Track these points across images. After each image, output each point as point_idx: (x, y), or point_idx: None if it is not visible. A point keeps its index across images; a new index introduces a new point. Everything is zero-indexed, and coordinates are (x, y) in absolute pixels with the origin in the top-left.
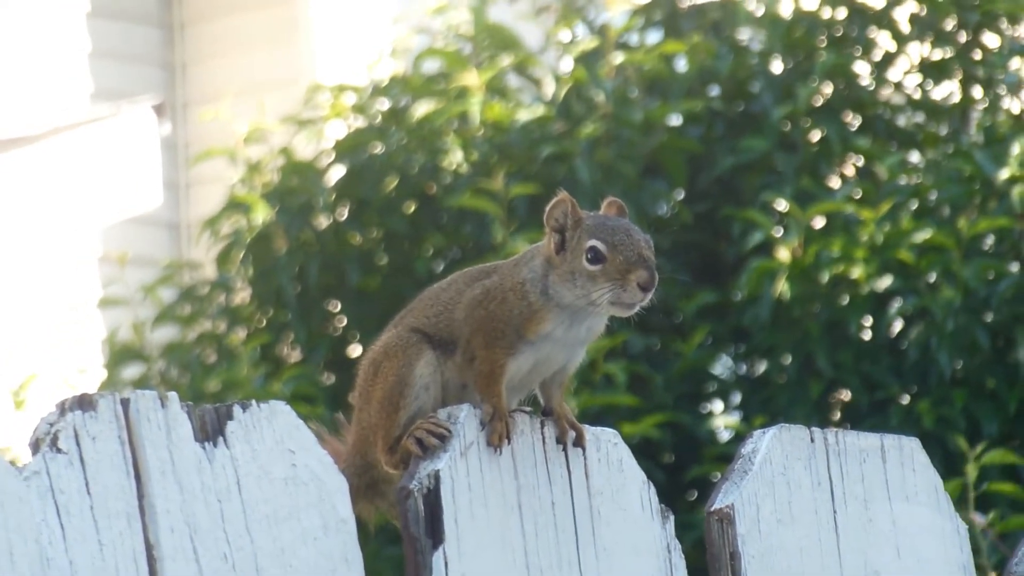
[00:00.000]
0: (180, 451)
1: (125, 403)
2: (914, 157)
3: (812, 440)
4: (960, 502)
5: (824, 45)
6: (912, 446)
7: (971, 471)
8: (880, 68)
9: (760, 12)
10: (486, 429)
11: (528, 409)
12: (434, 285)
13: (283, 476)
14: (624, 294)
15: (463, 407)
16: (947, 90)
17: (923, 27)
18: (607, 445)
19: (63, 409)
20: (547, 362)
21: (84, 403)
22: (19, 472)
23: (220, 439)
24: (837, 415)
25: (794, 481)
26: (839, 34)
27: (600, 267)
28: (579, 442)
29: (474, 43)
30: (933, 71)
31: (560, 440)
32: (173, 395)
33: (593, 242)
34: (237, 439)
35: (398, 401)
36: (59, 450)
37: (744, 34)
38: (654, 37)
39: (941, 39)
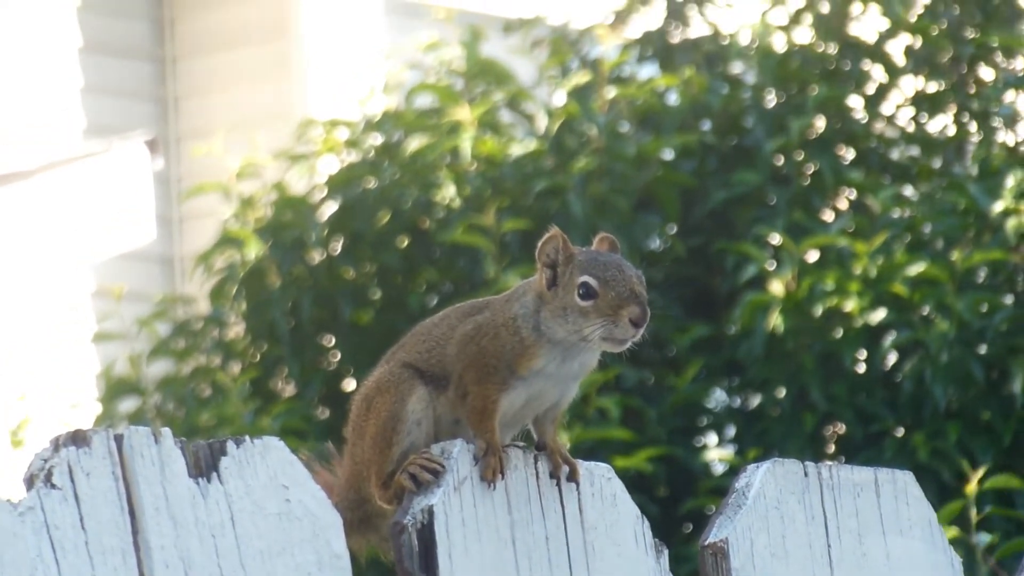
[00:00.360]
0: (174, 487)
1: (119, 439)
2: (908, 190)
3: (806, 474)
4: (957, 526)
5: (817, 79)
6: (906, 479)
7: (971, 491)
8: (873, 101)
9: (753, 46)
10: (479, 464)
11: (521, 444)
12: (426, 320)
13: (277, 511)
14: (616, 330)
15: (456, 442)
16: (941, 123)
17: (918, 60)
18: (601, 480)
19: (57, 445)
20: (540, 398)
21: (78, 439)
22: (14, 508)
23: (214, 475)
24: (832, 448)
25: (788, 515)
26: (832, 67)
27: (592, 303)
28: (573, 477)
29: (466, 78)
30: (927, 104)
31: (554, 475)
32: (167, 431)
33: (585, 278)
34: (231, 475)
35: (391, 437)
36: (53, 486)
37: (737, 68)
38: (647, 71)
39: (936, 72)
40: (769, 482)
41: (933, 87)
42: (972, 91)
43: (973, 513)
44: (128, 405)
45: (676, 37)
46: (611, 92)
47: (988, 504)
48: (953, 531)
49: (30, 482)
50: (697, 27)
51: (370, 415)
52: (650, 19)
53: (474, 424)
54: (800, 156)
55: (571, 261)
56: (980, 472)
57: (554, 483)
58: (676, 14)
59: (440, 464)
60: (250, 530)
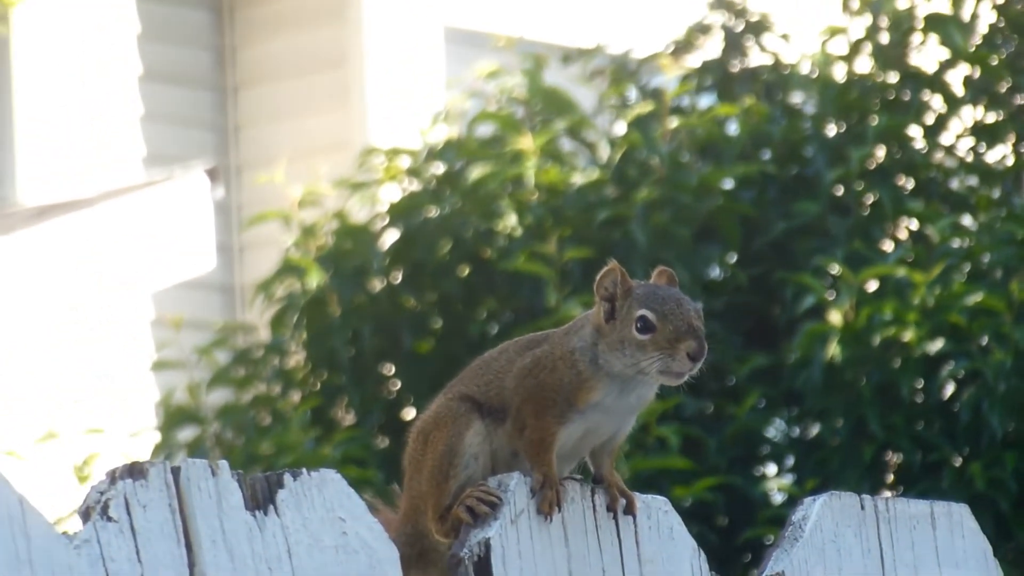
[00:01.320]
0: (231, 519)
1: (176, 471)
2: (967, 220)
3: (862, 507)
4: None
5: (877, 108)
6: (961, 512)
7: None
8: (933, 131)
9: (813, 75)
10: (536, 497)
11: (578, 477)
12: (485, 354)
13: (333, 544)
14: (673, 363)
15: (513, 475)
16: (1000, 153)
17: (976, 90)
18: (658, 513)
19: (113, 477)
20: (597, 431)
21: (135, 471)
22: (69, 541)
23: (271, 507)
24: (890, 477)
25: (844, 548)
26: (892, 97)
27: (650, 336)
28: (630, 510)
29: (528, 106)
30: (986, 134)
31: (611, 508)
32: (224, 464)
33: (643, 311)
34: (288, 507)
35: (448, 470)
36: (110, 518)
37: (797, 97)
38: (707, 101)
39: (994, 102)
40: (826, 515)
41: (992, 117)
42: None
43: None
44: (187, 434)
45: (736, 67)
46: (672, 122)
47: None
48: None
49: (86, 515)
50: (756, 57)
51: (427, 449)
52: (709, 49)
53: (531, 457)
54: (860, 186)
55: (629, 295)
56: None
57: (611, 516)
58: (735, 44)
59: (497, 497)
60: (307, 563)
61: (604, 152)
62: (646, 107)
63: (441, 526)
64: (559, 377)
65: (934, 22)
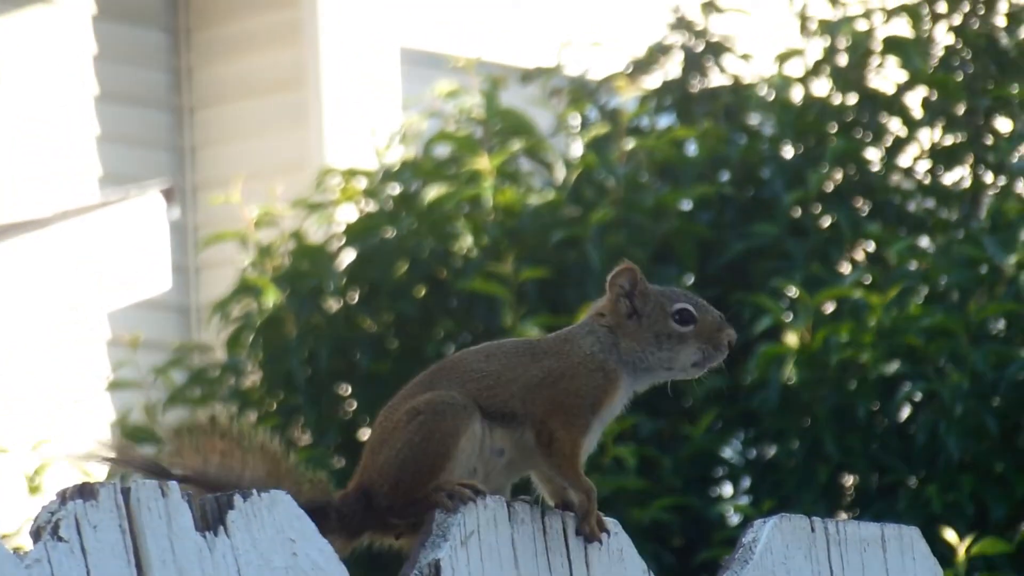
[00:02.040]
0: (181, 540)
1: (126, 492)
2: (924, 242)
3: (813, 530)
4: None
5: (835, 131)
6: (912, 535)
7: (961, 559)
8: (891, 153)
9: (771, 97)
10: (580, 519)
11: (527, 498)
12: (462, 354)
13: (284, 565)
14: (714, 352)
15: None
16: (958, 175)
17: (935, 112)
18: (607, 535)
19: (64, 498)
20: (590, 443)
21: (85, 492)
22: (20, 560)
23: (221, 528)
24: (846, 499)
25: (795, 570)
26: (850, 119)
27: (692, 328)
28: (603, 527)
29: (485, 127)
30: (944, 156)
31: (581, 532)
32: (174, 484)
33: (681, 304)
34: (238, 528)
35: (435, 468)
36: (60, 539)
37: (755, 119)
38: (665, 121)
39: (952, 124)
40: (776, 537)
41: (949, 139)
42: (989, 143)
43: None
44: (143, 453)
45: (695, 87)
46: (629, 143)
47: (987, 566)
48: None
49: (37, 535)
50: (716, 78)
51: (412, 429)
52: (668, 70)
53: (566, 472)
54: (818, 208)
55: (648, 291)
56: (969, 539)
57: (562, 538)
58: (694, 65)
59: (481, 490)
60: None
61: (561, 173)
62: (602, 128)
63: (406, 509)
64: (582, 383)
65: (893, 45)
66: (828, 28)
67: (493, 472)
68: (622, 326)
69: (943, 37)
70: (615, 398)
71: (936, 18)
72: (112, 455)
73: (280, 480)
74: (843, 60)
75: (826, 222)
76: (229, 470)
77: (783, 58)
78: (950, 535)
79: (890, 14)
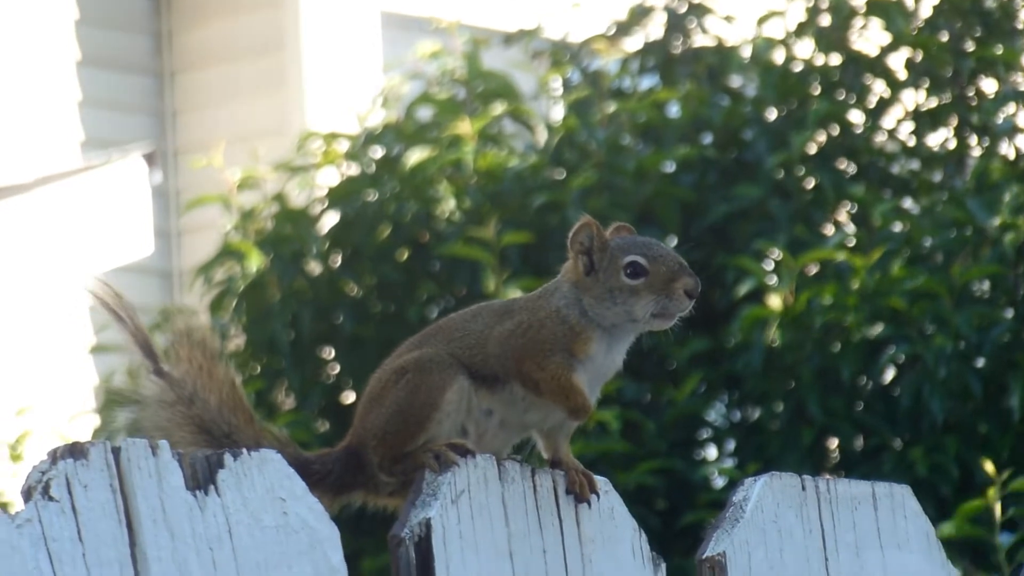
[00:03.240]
0: (171, 499)
1: (116, 451)
2: (908, 204)
3: (803, 488)
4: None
5: (818, 92)
6: (903, 493)
7: (993, 493)
8: (874, 115)
9: (754, 59)
10: (567, 481)
11: (518, 457)
12: (453, 315)
13: (274, 524)
14: (670, 304)
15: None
16: (942, 137)
17: (919, 74)
18: (598, 493)
19: (55, 457)
20: (590, 394)
21: (75, 451)
22: (11, 520)
23: (211, 487)
24: (830, 462)
25: (785, 529)
26: (834, 81)
27: (643, 280)
28: (593, 488)
29: (468, 88)
30: (928, 118)
31: (571, 490)
32: (164, 443)
33: (632, 257)
34: (228, 487)
35: (423, 421)
36: (51, 498)
37: (737, 81)
38: (648, 83)
39: (936, 86)
40: (767, 496)
41: (934, 101)
42: (973, 104)
43: (998, 511)
44: (126, 416)
45: (677, 49)
46: (611, 106)
47: (1012, 505)
48: (976, 530)
49: (28, 494)
50: (698, 39)
51: (399, 388)
52: (651, 31)
53: (562, 401)
54: (801, 170)
55: (606, 246)
56: (1006, 474)
57: (553, 496)
58: (677, 26)
59: (469, 449)
60: (247, 543)
61: (543, 136)
62: (584, 91)
63: (395, 466)
64: (551, 332)
65: (876, 7)
66: None
67: (487, 434)
68: (582, 282)
69: None
70: (589, 346)
71: None
72: (113, 305)
73: (245, 422)
74: (826, 21)
75: (809, 184)
76: (206, 391)
77: (765, 19)
78: (989, 467)
79: None
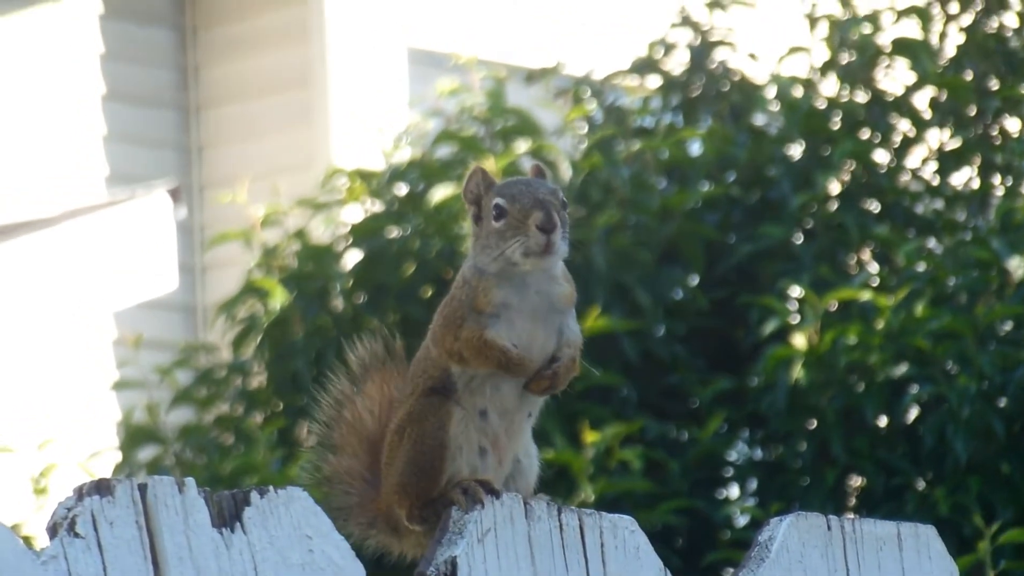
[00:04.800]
0: (197, 537)
1: (143, 488)
2: (932, 244)
3: (829, 528)
4: None
5: (843, 131)
6: (928, 534)
7: (984, 547)
8: (899, 154)
9: (778, 98)
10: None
11: (546, 497)
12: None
13: (300, 562)
14: (529, 241)
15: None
16: (966, 176)
17: (943, 113)
18: (624, 532)
19: (80, 494)
20: (533, 338)
21: (102, 488)
22: (37, 556)
23: (237, 524)
24: (853, 501)
25: (811, 569)
26: (859, 120)
27: (504, 222)
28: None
29: (488, 126)
30: (952, 157)
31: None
32: (190, 481)
33: (496, 199)
34: (254, 525)
35: (438, 464)
36: (77, 535)
37: (761, 119)
38: (670, 121)
39: (961, 125)
40: (792, 535)
41: (958, 140)
42: (997, 144)
43: (989, 568)
44: (148, 453)
45: (699, 87)
46: (635, 144)
47: (1004, 558)
48: None
49: (53, 531)
50: (721, 77)
51: (405, 445)
52: (673, 68)
53: (486, 363)
54: (826, 210)
55: (489, 191)
56: (995, 527)
57: (579, 535)
58: (699, 63)
59: (496, 489)
60: None
61: (566, 174)
62: (608, 129)
63: (424, 510)
64: (458, 301)
65: (902, 46)
66: (838, 27)
67: (500, 438)
68: (475, 232)
69: (954, 37)
70: (490, 294)
71: (948, 19)
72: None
73: None
74: (852, 60)
75: (834, 224)
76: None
77: (789, 57)
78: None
79: (900, 15)
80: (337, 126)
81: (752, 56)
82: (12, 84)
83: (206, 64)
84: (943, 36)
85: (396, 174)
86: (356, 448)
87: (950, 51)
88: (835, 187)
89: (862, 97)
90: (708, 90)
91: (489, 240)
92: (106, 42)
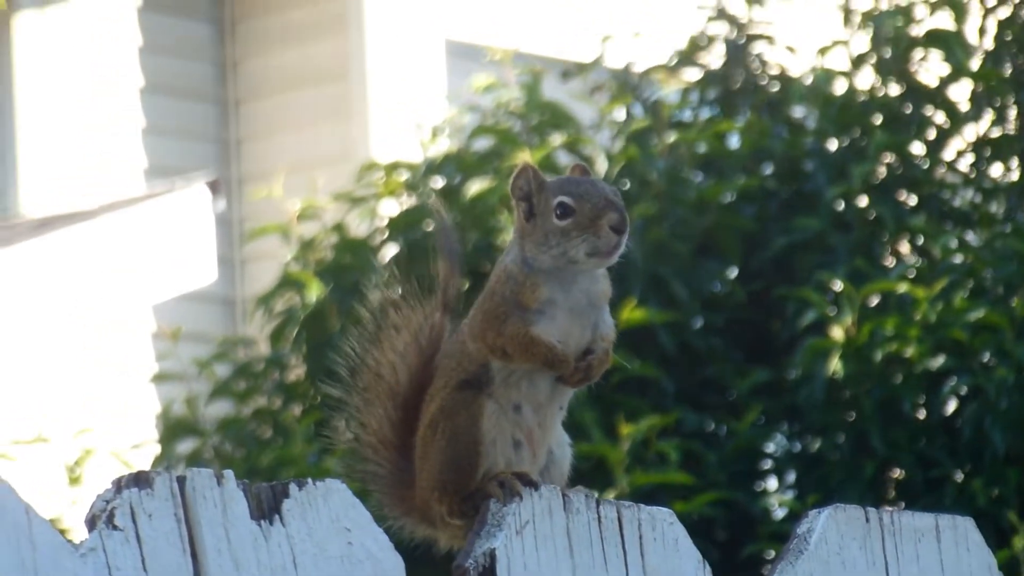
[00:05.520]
0: (236, 529)
1: (181, 481)
2: (969, 236)
3: (867, 520)
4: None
5: (879, 123)
6: (967, 526)
7: (1018, 544)
8: (935, 147)
9: (815, 90)
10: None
11: (585, 490)
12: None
13: (339, 554)
14: (599, 242)
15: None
16: (1002, 169)
17: (980, 105)
18: (663, 524)
19: (119, 486)
20: (571, 333)
21: (140, 480)
22: (75, 549)
23: (276, 517)
24: (891, 493)
25: (849, 561)
26: (894, 112)
27: (571, 220)
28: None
29: (524, 120)
30: (989, 149)
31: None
32: (229, 473)
33: (560, 198)
34: (293, 517)
35: (475, 459)
36: (115, 527)
37: (798, 112)
38: (707, 114)
39: (998, 117)
40: (831, 527)
41: (995, 132)
42: None
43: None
44: (186, 446)
45: (737, 80)
46: (671, 136)
47: None
48: None
49: (92, 523)
50: (758, 70)
51: (438, 440)
52: (710, 62)
53: (530, 359)
54: (862, 202)
55: (543, 189)
56: None
57: (617, 527)
58: (736, 57)
59: (534, 480)
60: (312, 573)
61: (602, 167)
62: (644, 122)
63: (463, 505)
64: (501, 294)
65: (935, 38)
66: (872, 19)
67: (534, 432)
68: (525, 229)
69: (992, 29)
70: (538, 291)
71: (987, 12)
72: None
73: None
74: (887, 52)
75: (870, 215)
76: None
77: (826, 50)
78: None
79: (934, 7)
80: (376, 118)
81: (790, 49)
82: (52, 77)
83: (244, 57)
84: (982, 30)
85: (433, 167)
86: (384, 401)
87: (989, 43)
88: (871, 179)
89: (896, 90)
90: (746, 84)
91: (549, 239)
92: (145, 36)
